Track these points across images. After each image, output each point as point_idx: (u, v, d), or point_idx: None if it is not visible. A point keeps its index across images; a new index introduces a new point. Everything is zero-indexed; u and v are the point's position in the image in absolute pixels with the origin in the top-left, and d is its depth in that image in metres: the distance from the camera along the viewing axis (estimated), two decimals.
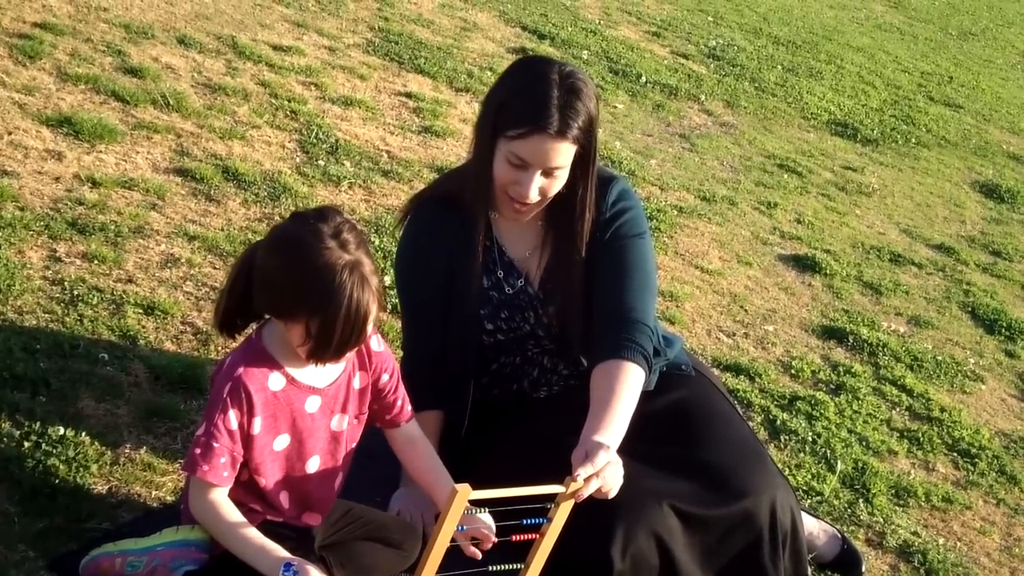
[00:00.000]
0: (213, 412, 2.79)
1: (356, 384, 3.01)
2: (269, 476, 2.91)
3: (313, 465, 2.97)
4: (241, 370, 2.80)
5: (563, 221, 3.39)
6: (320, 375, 2.92)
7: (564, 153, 3.21)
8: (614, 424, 3.16)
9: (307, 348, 2.76)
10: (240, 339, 2.95)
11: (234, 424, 2.79)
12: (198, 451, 2.77)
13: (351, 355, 2.89)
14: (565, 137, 3.18)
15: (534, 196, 3.24)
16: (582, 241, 3.38)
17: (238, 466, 2.84)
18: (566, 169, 3.25)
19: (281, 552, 2.78)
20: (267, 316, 2.88)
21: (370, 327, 2.78)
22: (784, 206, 7.16)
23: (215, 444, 2.77)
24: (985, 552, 4.14)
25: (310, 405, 2.91)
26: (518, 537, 2.96)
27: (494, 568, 2.98)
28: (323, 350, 2.75)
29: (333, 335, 2.71)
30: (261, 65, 6.65)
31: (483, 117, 3.31)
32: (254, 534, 2.81)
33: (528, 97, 3.20)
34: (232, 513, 2.83)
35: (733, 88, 9.42)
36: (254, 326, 2.94)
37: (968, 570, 3.98)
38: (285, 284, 2.73)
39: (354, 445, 3.07)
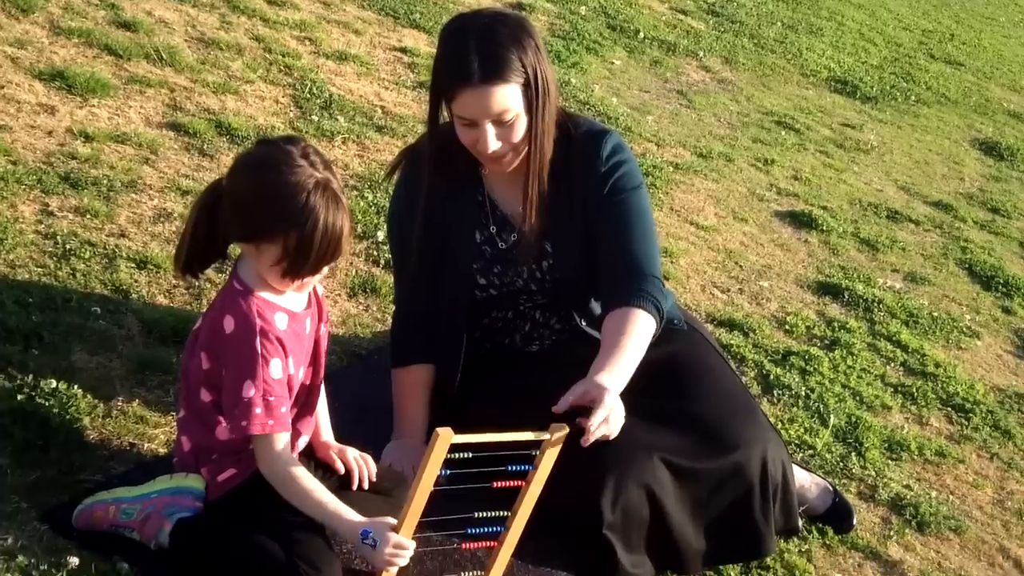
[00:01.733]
0: (254, 369, 2.80)
1: (319, 290, 3.07)
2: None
3: (307, 377, 3.03)
4: (259, 322, 2.82)
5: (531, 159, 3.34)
6: (299, 299, 2.96)
7: (502, 97, 3.15)
8: (620, 367, 3.15)
9: (283, 266, 2.78)
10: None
11: (279, 372, 2.83)
12: (259, 410, 2.80)
13: (326, 271, 2.91)
14: (492, 83, 3.13)
15: (495, 147, 3.21)
16: (541, 182, 3.32)
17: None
18: (519, 111, 3.19)
19: (356, 516, 2.83)
20: (234, 251, 2.92)
21: (345, 240, 2.82)
22: (781, 163, 7.14)
23: (272, 398, 2.81)
24: (978, 505, 4.15)
25: (306, 327, 2.97)
26: (499, 484, 2.96)
27: (479, 515, 3.00)
28: (301, 266, 2.78)
29: (311, 250, 2.75)
30: (255, 19, 6.62)
31: (430, 94, 3.31)
32: (329, 498, 2.86)
33: (449, 56, 3.19)
34: (305, 475, 2.88)
35: (732, 44, 9.38)
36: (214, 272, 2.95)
37: (960, 523, 3.99)
38: (259, 203, 2.76)
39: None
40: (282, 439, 2.86)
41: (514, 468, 2.99)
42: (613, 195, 3.39)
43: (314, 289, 3.04)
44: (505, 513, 3.02)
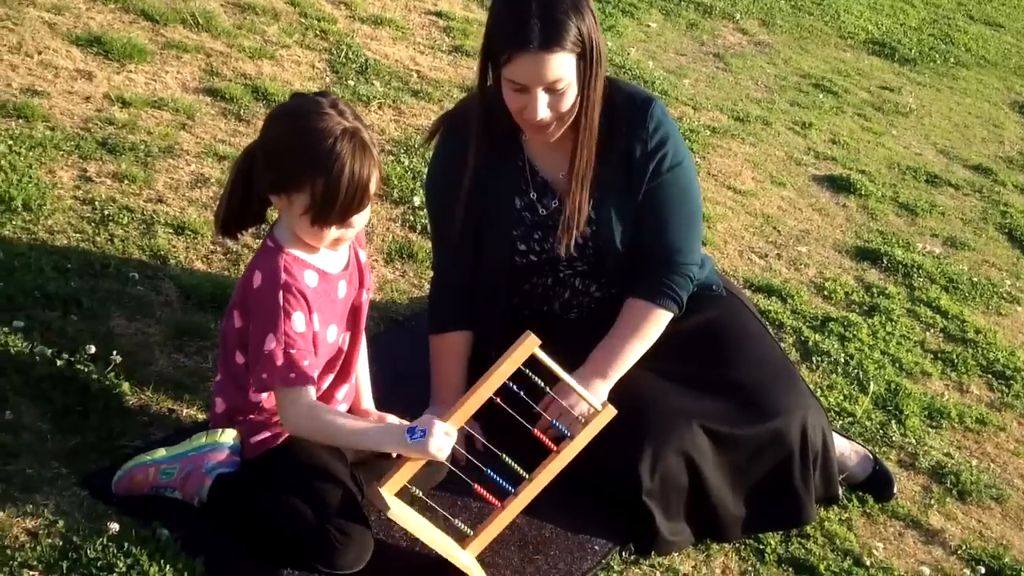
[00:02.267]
0: (276, 322, 2.82)
1: (362, 257, 3.10)
2: (319, 366, 2.97)
3: (343, 342, 3.05)
4: (284, 276, 2.84)
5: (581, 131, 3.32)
6: (337, 260, 2.99)
7: (557, 65, 3.11)
8: (616, 363, 3.33)
9: (311, 214, 2.80)
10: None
11: (302, 327, 2.84)
12: (280, 363, 2.81)
13: (358, 226, 2.91)
14: (550, 50, 3.09)
15: (544, 115, 3.17)
16: (590, 146, 3.30)
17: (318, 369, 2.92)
18: (571, 81, 3.16)
19: (397, 421, 2.93)
20: (271, 216, 2.95)
21: (372, 188, 2.83)
22: (819, 126, 7.08)
23: (293, 351, 2.82)
24: (1019, 473, 4.12)
25: (340, 290, 2.98)
26: (538, 433, 3.08)
27: (506, 459, 3.03)
28: (328, 213, 2.79)
29: (337, 196, 2.77)
30: None
31: (480, 53, 3.27)
32: (364, 422, 2.95)
33: (508, 20, 3.14)
34: (332, 411, 2.94)
35: (769, 6, 9.29)
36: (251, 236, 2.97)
37: (1001, 491, 3.96)
38: (289, 150, 2.79)
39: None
40: (305, 393, 2.86)
41: (558, 425, 3.07)
42: (657, 176, 3.37)
43: (356, 254, 3.05)
44: (525, 475, 3.02)
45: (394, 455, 2.96)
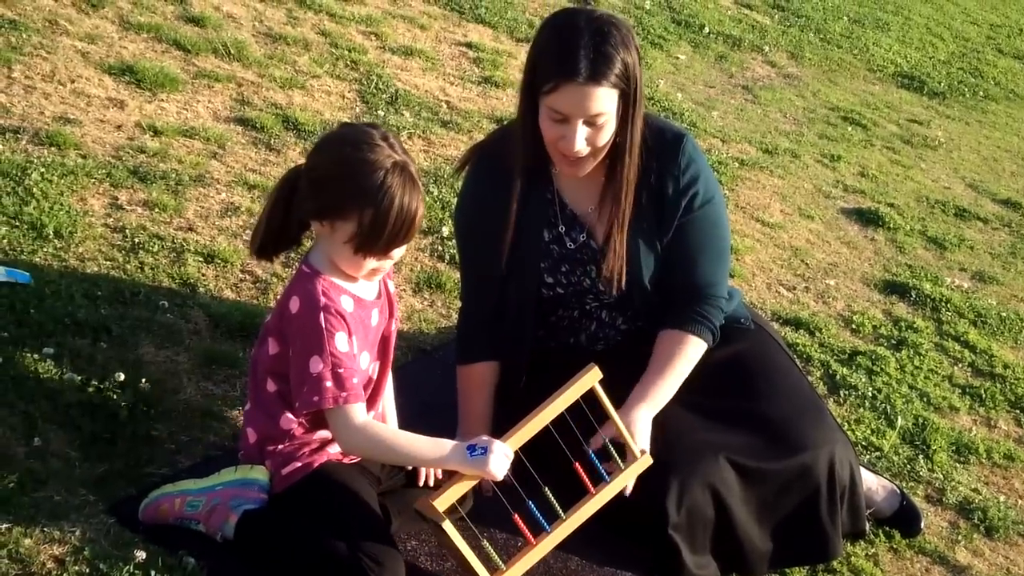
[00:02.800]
0: (320, 343, 2.83)
1: (391, 287, 3.12)
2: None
3: (373, 371, 3.06)
4: (323, 300, 2.86)
5: (618, 168, 3.34)
6: (369, 288, 3.01)
7: (601, 99, 3.12)
8: (659, 397, 3.29)
9: (355, 243, 2.82)
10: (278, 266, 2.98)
11: (345, 346, 2.86)
12: (328, 384, 2.83)
13: (396, 257, 2.94)
14: (597, 83, 3.10)
15: (581, 147, 3.18)
16: (627, 188, 3.31)
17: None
18: (610, 116, 3.17)
19: (454, 442, 2.93)
20: (305, 242, 3.00)
21: (418, 222, 2.86)
22: (848, 159, 7.07)
23: (341, 370, 2.84)
24: None
25: (373, 318, 3.00)
26: (578, 467, 3.06)
27: (547, 492, 3.02)
28: (373, 244, 2.82)
29: (385, 227, 2.80)
30: (322, 14, 6.64)
31: (523, 80, 3.28)
32: (420, 438, 2.92)
33: (556, 49, 3.14)
34: (386, 430, 2.97)
35: (797, 39, 9.30)
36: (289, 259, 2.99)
37: None
38: (337, 179, 2.82)
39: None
40: (358, 410, 2.87)
41: (596, 462, 3.06)
42: (689, 212, 3.37)
43: (385, 284, 3.07)
44: (561, 513, 3.02)
45: (427, 478, 3.04)
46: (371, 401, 3.09)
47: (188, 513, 2.95)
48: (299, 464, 2.97)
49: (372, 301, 3.00)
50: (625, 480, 3.07)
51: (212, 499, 2.94)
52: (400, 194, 2.79)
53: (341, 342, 2.85)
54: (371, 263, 2.88)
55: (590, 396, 2.99)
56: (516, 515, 3.00)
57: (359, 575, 2.78)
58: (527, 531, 3.00)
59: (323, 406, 2.85)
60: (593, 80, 3.09)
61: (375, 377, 3.07)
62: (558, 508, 3.02)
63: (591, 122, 3.15)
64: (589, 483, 3.05)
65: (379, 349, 3.07)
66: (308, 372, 2.83)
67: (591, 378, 2.90)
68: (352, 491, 2.93)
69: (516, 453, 2.94)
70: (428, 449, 2.91)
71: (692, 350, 3.37)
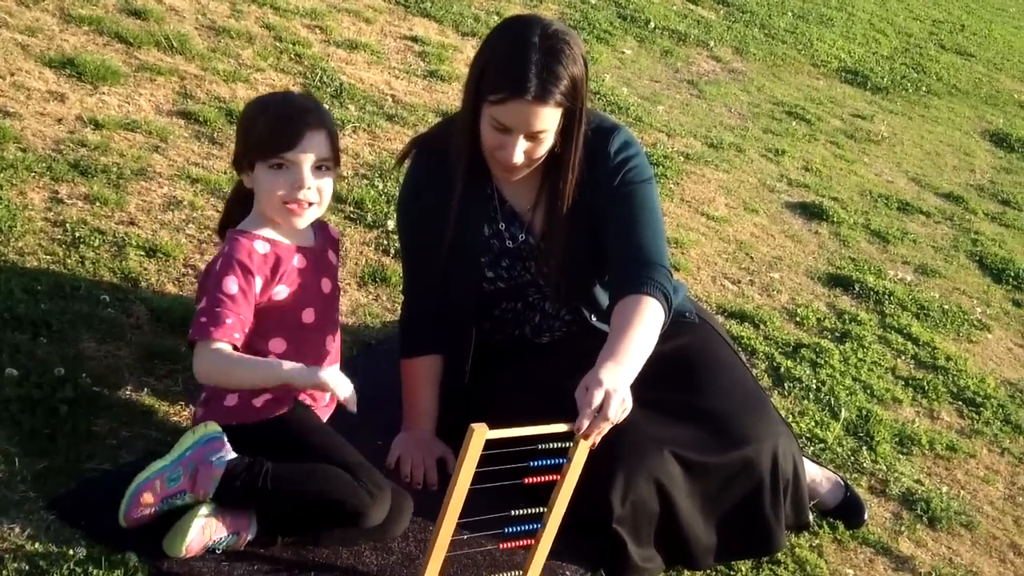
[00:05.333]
0: (210, 284, 2.95)
1: (332, 260, 3.27)
2: (274, 335, 3.08)
3: (308, 316, 3.13)
4: (227, 246, 3.00)
5: (556, 179, 3.34)
6: (291, 234, 3.11)
7: (546, 117, 3.14)
8: (627, 356, 3.06)
9: (249, 157, 3.03)
10: None
11: (234, 288, 2.95)
12: (203, 319, 2.92)
13: (306, 179, 3.02)
14: (545, 102, 3.10)
15: (519, 159, 3.19)
16: (566, 201, 3.32)
17: (246, 330, 2.98)
18: (551, 132, 3.19)
19: (301, 364, 2.97)
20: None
21: (306, 125, 3.02)
22: (792, 153, 7.11)
23: (218, 309, 2.92)
24: (988, 500, 4.14)
25: (297, 261, 3.09)
26: (531, 480, 2.92)
27: (517, 512, 2.95)
28: (262, 148, 3.00)
29: (265, 130, 2.99)
30: (266, 8, 6.60)
31: (468, 81, 3.26)
32: (271, 361, 3.00)
33: (507, 62, 3.13)
34: (238, 354, 2.97)
35: (742, 34, 9.35)
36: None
37: (971, 518, 3.97)
38: (241, 121, 3.10)
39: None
40: (217, 344, 2.92)
41: (536, 463, 2.92)
42: (622, 187, 3.36)
43: (327, 243, 3.22)
44: (541, 509, 2.97)
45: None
46: (319, 353, 3.17)
47: (171, 489, 2.89)
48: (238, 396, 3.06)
49: (295, 246, 3.10)
50: (585, 448, 2.91)
51: (187, 465, 2.90)
52: (276, 100, 3.07)
53: (230, 284, 2.95)
54: (280, 192, 2.99)
55: (498, 443, 2.77)
56: (501, 544, 2.97)
57: (364, 502, 2.88)
58: (522, 542, 2.97)
59: (190, 338, 2.94)
60: (540, 99, 3.10)
61: (311, 322, 3.14)
62: (534, 509, 2.96)
63: (532, 136, 3.16)
64: (550, 476, 2.98)
65: (321, 305, 3.15)
66: (196, 309, 2.96)
67: (478, 439, 2.71)
68: (329, 440, 3.03)
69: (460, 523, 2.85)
70: (283, 370, 2.95)
71: (649, 311, 3.19)
